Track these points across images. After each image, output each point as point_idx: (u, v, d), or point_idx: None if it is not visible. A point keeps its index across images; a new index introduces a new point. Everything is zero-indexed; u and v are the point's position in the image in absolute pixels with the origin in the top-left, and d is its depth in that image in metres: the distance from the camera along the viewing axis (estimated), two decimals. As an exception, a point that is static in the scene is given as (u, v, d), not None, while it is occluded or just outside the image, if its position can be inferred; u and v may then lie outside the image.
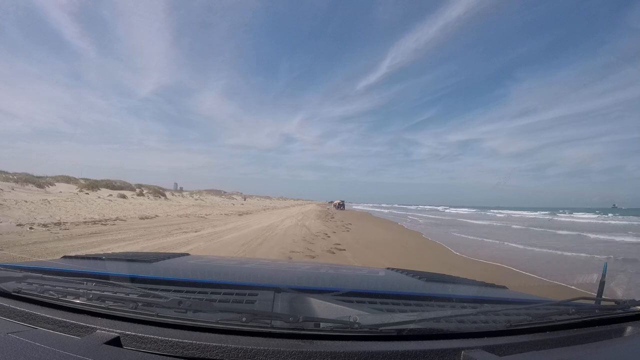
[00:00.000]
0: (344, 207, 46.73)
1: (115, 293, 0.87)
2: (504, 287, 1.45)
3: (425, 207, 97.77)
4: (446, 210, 58.14)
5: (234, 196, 66.71)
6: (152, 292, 0.86)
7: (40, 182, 21.63)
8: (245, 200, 62.91)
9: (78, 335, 0.70)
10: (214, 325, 0.72)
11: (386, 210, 51.18)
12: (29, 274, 0.99)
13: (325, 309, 0.82)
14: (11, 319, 0.77)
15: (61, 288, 0.87)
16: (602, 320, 0.91)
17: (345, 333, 0.73)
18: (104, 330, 0.71)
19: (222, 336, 0.70)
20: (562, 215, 41.35)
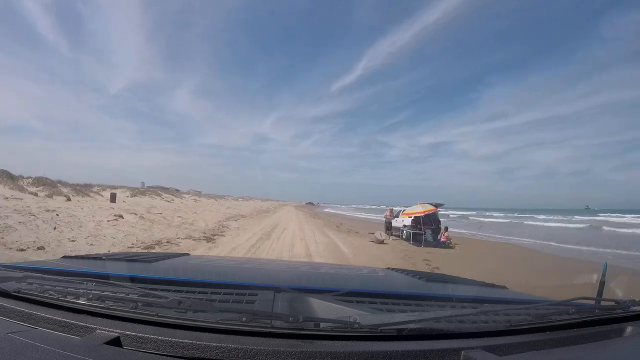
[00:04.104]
0: (438, 231, 12.98)
1: (115, 293, 0.87)
2: (504, 287, 1.45)
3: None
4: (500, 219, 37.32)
5: (123, 191, 27.83)
6: (152, 292, 0.86)
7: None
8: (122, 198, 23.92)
9: (78, 335, 0.70)
10: (214, 325, 0.72)
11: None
12: (29, 274, 0.99)
13: (325, 309, 0.82)
14: (11, 319, 0.77)
15: (61, 288, 0.87)
16: (602, 320, 0.91)
17: (345, 333, 0.73)
18: (104, 330, 0.71)
19: (222, 336, 0.70)
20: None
